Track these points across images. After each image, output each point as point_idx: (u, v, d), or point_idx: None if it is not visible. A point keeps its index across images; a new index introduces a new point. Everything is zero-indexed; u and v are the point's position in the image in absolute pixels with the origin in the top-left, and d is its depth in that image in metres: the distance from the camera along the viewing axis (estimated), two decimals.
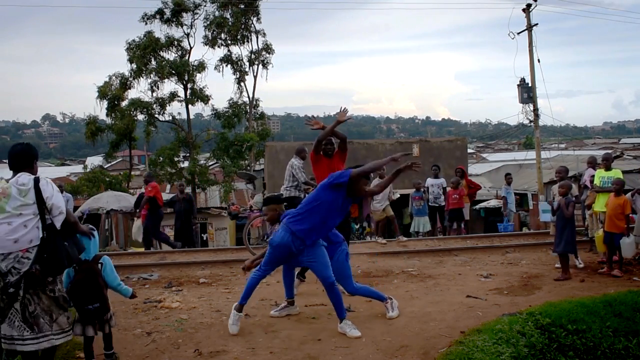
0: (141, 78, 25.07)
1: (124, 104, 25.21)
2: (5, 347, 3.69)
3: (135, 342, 4.84)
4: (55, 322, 3.72)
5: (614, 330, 5.12)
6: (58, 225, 3.73)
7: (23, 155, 3.84)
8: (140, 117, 26.12)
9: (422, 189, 12.30)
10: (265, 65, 27.38)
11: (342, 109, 6.25)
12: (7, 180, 3.74)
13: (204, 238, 19.37)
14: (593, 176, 8.49)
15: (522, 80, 19.96)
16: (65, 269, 3.89)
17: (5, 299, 3.59)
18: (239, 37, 26.35)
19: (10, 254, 3.58)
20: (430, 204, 12.20)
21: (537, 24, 19.61)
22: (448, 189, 12.26)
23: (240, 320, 5.06)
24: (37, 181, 3.70)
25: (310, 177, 7.79)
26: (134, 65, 24.68)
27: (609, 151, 9.88)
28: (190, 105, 25.90)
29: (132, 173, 29.11)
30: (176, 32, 25.54)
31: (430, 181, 12.37)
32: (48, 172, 45.83)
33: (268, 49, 27.25)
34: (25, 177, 3.72)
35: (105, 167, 29.43)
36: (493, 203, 19.77)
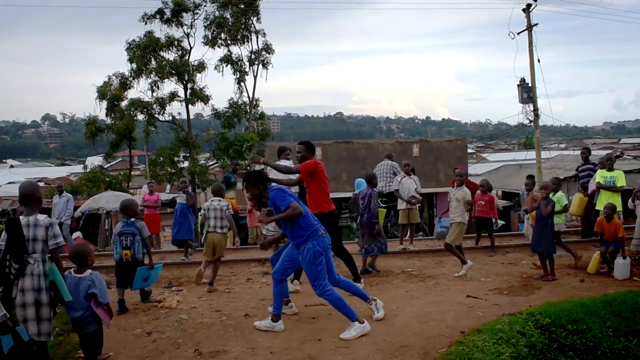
0: (141, 78, 25.07)
1: (123, 104, 25.22)
2: None
3: (135, 342, 4.84)
4: None
5: (614, 330, 5.11)
6: None
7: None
8: (140, 117, 26.14)
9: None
10: (265, 65, 27.36)
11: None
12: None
13: None
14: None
15: (522, 80, 19.93)
16: None
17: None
18: (239, 37, 26.31)
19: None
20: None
21: (537, 24, 19.60)
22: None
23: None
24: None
25: None
26: (134, 65, 24.67)
27: (611, 151, 9.92)
28: (190, 105, 25.89)
29: (132, 173, 29.10)
30: (176, 32, 25.55)
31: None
32: (48, 172, 45.84)
33: (268, 49, 27.23)
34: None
35: (105, 167, 29.41)
36: None
